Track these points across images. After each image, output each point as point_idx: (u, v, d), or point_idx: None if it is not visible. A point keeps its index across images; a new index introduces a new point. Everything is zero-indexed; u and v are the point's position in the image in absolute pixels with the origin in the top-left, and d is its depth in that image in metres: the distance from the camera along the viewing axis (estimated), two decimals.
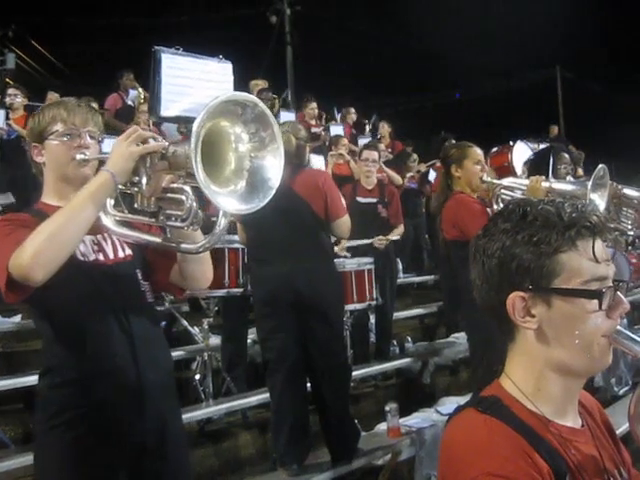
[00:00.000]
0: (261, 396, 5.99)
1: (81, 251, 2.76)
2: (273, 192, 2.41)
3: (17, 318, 6.75)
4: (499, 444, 1.54)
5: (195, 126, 2.20)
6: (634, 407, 1.78)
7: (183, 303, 7.40)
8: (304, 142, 5.56)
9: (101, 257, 2.83)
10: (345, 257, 7.17)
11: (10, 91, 9.48)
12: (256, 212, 5.24)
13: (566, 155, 6.18)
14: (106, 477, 2.72)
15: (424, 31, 24.69)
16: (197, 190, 2.36)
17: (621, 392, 7.64)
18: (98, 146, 2.88)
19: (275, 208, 5.09)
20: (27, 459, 4.87)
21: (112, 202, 2.73)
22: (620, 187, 5.67)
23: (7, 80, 13.87)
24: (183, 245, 2.64)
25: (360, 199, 7.97)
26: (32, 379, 5.59)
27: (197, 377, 6.09)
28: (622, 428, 2.55)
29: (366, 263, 7.10)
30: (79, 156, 2.78)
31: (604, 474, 1.66)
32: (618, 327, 1.61)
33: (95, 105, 9.81)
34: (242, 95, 2.36)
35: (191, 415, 5.68)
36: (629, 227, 5.86)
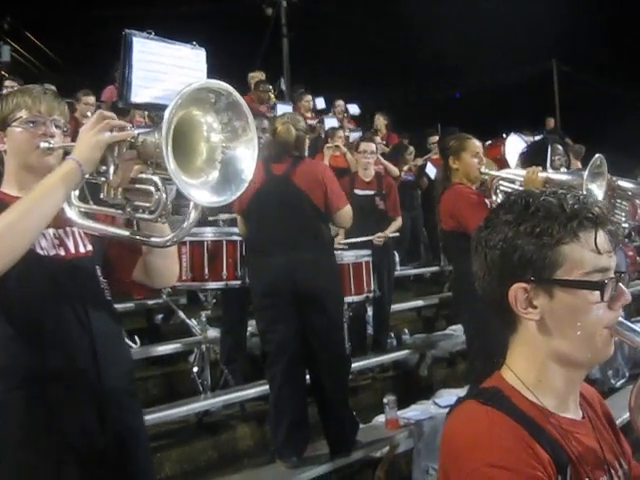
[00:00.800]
0: (259, 388, 6.01)
1: (41, 245, 2.64)
2: (246, 185, 2.31)
3: None
4: (500, 435, 1.54)
5: (167, 114, 2.12)
6: (635, 398, 1.79)
7: (181, 295, 7.41)
8: (303, 133, 5.56)
9: (61, 252, 2.71)
10: (343, 249, 7.16)
11: (7, 83, 9.41)
12: (256, 203, 5.25)
13: (560, 147, 6.20)
14: None
15: (420, 24, 24.63)
16: (168, 181, 2.29)
17: (618, 384, 7.67)
18: (63, 136, 2.75)
19: (275, 199, 5.17)
20: None
21: (77, 193, 2.60)
22: (614, 179, 5.67)
23: (2, 73, 13.81)
24: (151, 239, 2.53)
25: (358, 191, 7.97)
26: None
27: (195, 369, 6.09)
28: (619, 420, 2.56)
29: (364, 255, 7.09)
30: (43, 144, 2.65)
31: (604, 465, 1.67)
32: (620, 318, 1.62)
33: (92, 98, 9.80)
34: (216, 83, 2.27)
35: (189, 407, 5.70)
36: (623, 219, 5.86)
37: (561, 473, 1.55)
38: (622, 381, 7.79)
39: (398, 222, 8.14)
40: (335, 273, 5.67)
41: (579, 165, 10.75)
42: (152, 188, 2.37)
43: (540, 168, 5.14)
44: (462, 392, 6.51)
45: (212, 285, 6.07)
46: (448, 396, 6.75)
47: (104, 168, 2.44)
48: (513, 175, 5.29)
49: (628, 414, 1.82)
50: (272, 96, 12.53)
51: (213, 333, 6.57)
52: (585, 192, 4.74)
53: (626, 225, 6.01)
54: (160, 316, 7.76)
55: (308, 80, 15.84)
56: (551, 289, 1.59)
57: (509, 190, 5.22)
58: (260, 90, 11.87)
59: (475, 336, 5.39)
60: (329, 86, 15.79)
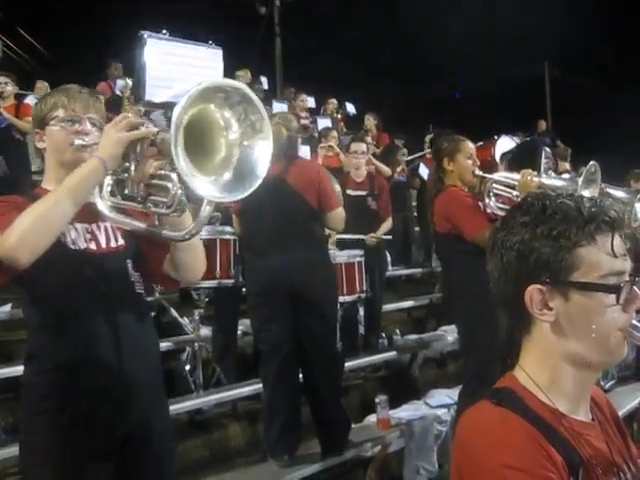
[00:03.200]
0: (251, 387, 6.01)
1: (72, 239, 2.77)
2: (259, 182, 2.39)
3: (7, 307, 6.72)
4: (514, 437, 1.55)
5: (175, 112, 2.20)
6: None
7: (173, 293, 7.39)
8: (295, 133, 5.57)
9: (92, 246, 2.83)
10: (335, 249, 7.16)
11: (0, 79, 9.38)
12: (251, 203, 5.27)
13: (547, 150, 6.23)
14: (89, 465, 2.72)
15: (414, 25, 24.66)
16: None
17: (607, 386, 7.71)
18: (99, 133, 2.82)
19: (269, 199, 5.21)
20: (17, 449, 4.86)
21: (109, 188, 2.72)
22: (604, 186, 5.69)
23: None
24: (169, 232, 2.62)
25: (350, 192, 7.98)
26: (22, 369, 5.58)
27: (187, 368, 6.09)
28: None
29: (356, 255, 7.12)
30: (77, 141, 2.79)
31: (614, 468, 1.68)
32: (633, 321, 1.63)
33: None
34: (226, 81, 2.39)
35: (181, 406, 5.67)
36: None
37: (573, 475, 1.56)
38: (611, 383, 7.85)
39: (388, 223, 8.15)
40: (329, 273, 5.68)
41: (566, 166, 10.80)
42: (169, 184, 2.48)
43: (535, 172, 5.16)
44: (453, 392, 6.54)
45: (205, 284, 6.06)
46: (439, 396, 6.79)
47: (127, 164, 2.57)
48: (507, 178, 5.30)
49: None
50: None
51: (205, 331, 6.57)
52: None
53: None
54: (152, 314, 7.73)
55: (301, 79, 15.81)
56: (567, 291, 1.60)
57: (502, 193, 5.25)
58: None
59: (468, 337, 5.42)
60: (322, 86, 15.78)
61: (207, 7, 20.87)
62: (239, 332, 6.91)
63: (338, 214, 5.53)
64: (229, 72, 12.88)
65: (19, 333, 6.47)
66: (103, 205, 2.72)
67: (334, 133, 10.52)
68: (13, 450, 4.81)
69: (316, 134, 11.25)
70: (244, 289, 6.06)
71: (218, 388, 6.18)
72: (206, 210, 2.42)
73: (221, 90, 2.32)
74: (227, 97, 2.33)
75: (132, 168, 2.55)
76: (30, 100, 10.97)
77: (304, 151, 8.57)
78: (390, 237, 8.22)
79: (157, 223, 2.67)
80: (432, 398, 6.79)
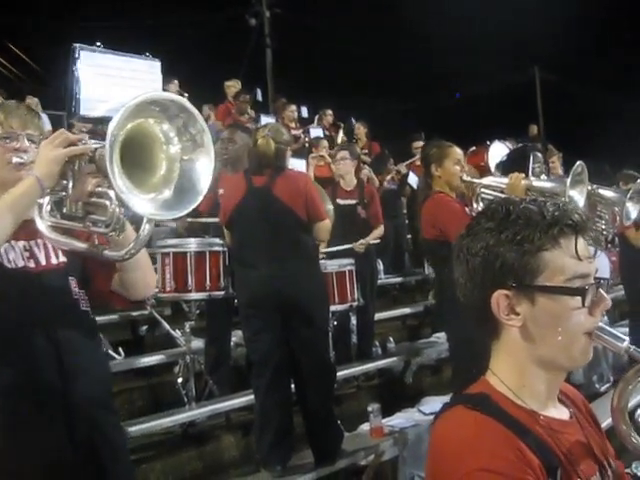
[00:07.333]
0: (244, 398, 6.01)
1: (9, 258, 2.64)
2: (200, 198, 2.34)
3: None
4: (490, 440, 1.55)
5: (110, 127, 2.13)
6: (617, 401, 1.81)
7: (165, 306, 7.39)
8: (284, 146, 5.54)
9: (31, 264, 2.70)
10: (324, 258, 7.14)
11: None
12: (240, 215, 5.29)
13: (539, 154, 6.23)
14: None
15: (403, 34, 24.74)
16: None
17: (602, 389, 7.71)
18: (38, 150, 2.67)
19: (258, 211, 5.20)
20: None
21: (48, 207, 2.58)
22: (595, 187, 5.70)
23: None
24: (109, 252, 2.52)
25: (340, 201, 7.98)
26: None
27: (179, 380, 6.07)
28: (603, 424, 2.58)
29: (347, 264, 7.12)
30: (15, 159, 2.64)
31: (595, 464, 1.69)
32: (600, 324, 1.64)
33: None
34: (162, 94, 2.37)
35: (174, 418, 5.70)
36: (603, 227, 5.88)
37: (551, 476, 1.56)
38: (607, 386, 7.83)
39: (380, 230, 8.14)
40: (320, 283, 5.68)
41: (560, 171, 10.79)
42: (107, 202, 2.39)
43: (523, 175, 5.16)
44: (446, 399, 6.49)
45: (195, 296, 6.06)
46: (432, 403, 6.76)
47: (64, 182, 2.45)
48: (495, 182, 5.30)
49: (611, 417, 1.84)
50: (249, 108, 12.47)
51: (197, 344, 6.55)
52: (567, 199, 4.77)
53: (605, 233, 6.04)
54: (144, 328, 7.73)
55: (291, 90, 15.83)
56: (533, 295, 1.60)
57: (491, 198, 5.24)
58: (240, 100, 11.89)
59: (459, 344, 5.40)
60: (312, 97, 15.80)
61: (198, 20, 20.88)
62: (232, 343, 6.89)
63: (324, 226, 5.53)
64: (222, 85, 12.98)
65: None
66: (42, 224, 2.59)
67: (325, 143, 10.53)
68: None
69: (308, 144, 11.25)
70: (236, 300, 6.07)
71: (211, 400, 6.17)
72: (146, 229, 2.36)
73: (158, 104, 2.26)
74: (164, 110, 2.26)
75: (70, 186, 2.44)
76: None
77: (300, 164, 8.57)
78: (378, 240, 8.17)
79: (97, 243, 2.58)
80: (425, 405, 6.78)
